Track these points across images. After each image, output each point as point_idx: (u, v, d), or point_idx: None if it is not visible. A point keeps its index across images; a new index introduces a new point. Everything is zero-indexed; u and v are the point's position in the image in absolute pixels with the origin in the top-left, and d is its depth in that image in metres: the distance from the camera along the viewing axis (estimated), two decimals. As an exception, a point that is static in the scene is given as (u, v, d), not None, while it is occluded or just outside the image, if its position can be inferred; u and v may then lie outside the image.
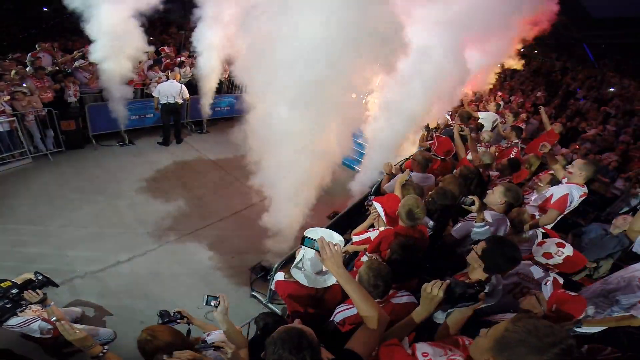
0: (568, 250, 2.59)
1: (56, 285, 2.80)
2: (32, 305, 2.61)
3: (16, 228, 4.69)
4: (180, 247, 4.94)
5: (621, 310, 2.30)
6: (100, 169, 6.43)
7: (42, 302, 2.54)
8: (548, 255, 2.58)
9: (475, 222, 2.84)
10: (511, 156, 5.14)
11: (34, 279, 2.60)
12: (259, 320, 2.13)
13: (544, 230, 3.63)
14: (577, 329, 2.37)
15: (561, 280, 2.63)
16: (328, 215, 6.26)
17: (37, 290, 2.51)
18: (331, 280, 1.98)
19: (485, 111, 7.16)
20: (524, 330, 1.10)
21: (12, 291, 2.46)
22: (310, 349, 1.27)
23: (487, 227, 2.84)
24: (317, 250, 1.57)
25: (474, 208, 2.78)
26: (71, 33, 10.50)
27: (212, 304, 1.90)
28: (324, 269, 1.96)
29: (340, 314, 1.95)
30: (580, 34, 14.66)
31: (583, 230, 4.12)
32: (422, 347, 1.39)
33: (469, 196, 2.81)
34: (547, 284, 2.21)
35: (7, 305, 2.45)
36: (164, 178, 6.52)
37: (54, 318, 1.91)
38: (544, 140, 5.70)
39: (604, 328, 2.32)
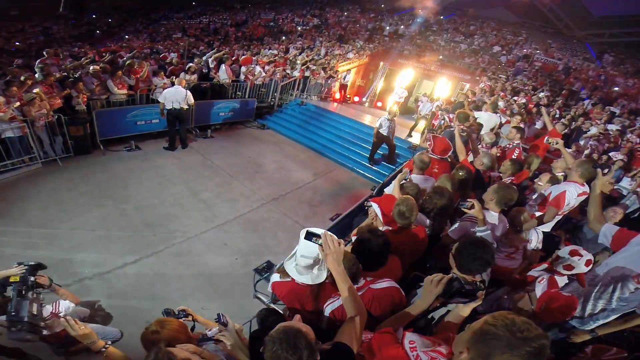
0: (586, 255, 2.58)
1: (44, 267, 2.82)
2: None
3: (27, 231, 4.82)
4: (186, 249, 5.03)
5: (622, 305, 2.30)
6: (108, 173, 6.57)
7: (50, 285, 2.63)
8: (569, 267, 2.59)
9: (478, 227, 2.86)
10: (513, 157, 5.16)
11: (30, 264, 2.63)
12: (259, 315, 2.19)
13: (544, 230, 3.66)
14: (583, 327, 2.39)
15: (562, 283, 2.64)
16: (331, 217, 6.32)
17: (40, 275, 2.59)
18: (322, 277, 2.03)
19: (484, 111, 7.16)
20: (501, 324, 1.09)
21: (31, 279, 2.49)
22: (308, 348, 1.29)
23: (489, 231, 2.87)
24: (320, 245, 1.62)
25: (473, 211, 2.82)
26: (76, 39, 10.75)
27: (222, 322, 2.00)
28: (318, 264, 1.99)
29: (329, 306, 2.01)
30: (582, 33, 14.63)
31: (576, 225, 4.14)
32: (411, 336, 1.44)
33: (468, 199, 2.84)
34: (542, 282, 2.24)
35: (34, 296, 2.46)
36: (169, 182, 6.64)
37: (62, 313, 1.96)
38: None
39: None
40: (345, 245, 2.70)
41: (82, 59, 8.11)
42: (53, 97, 6.43)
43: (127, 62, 8.02)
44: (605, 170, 2.59)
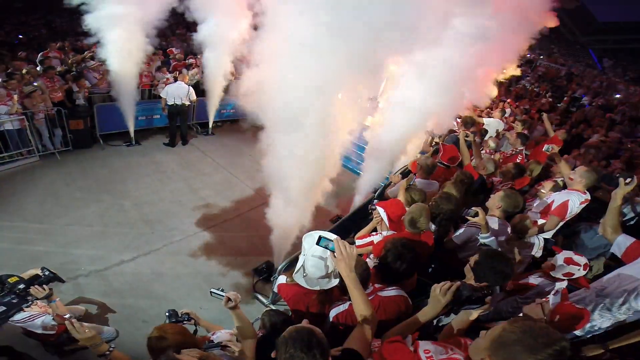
0: (581, 260, 2.63)
1: (62, 281, 2.83)
2: (37, 301, 2.65)
3: (22, 225, 4.77)
4: (184, 248, 4.98)
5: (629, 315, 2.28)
6: (107, 168, 6.51)
7: (48, 297, 2.58)
8: (569, 274, 2.62)
9: (481, 233, 2.89)
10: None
11: (41, 274, 2.62)
12: (264, 317, 2.17)
13: (545, 237, 3.64)
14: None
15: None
16: (331, 219, 6.28)
17: (44, 286, 2.55)
18: (333, 283, 2.01)
19: (490, 117, 7.16)
20: (520, 330, 1.13)
21: (19, 286, 2.49)
22: (320, 347, 1.30)
23: (493, 237, 2.88)
24: (332, 251, 1.61)
25: (478, 219, 2.82)
26: (80, 34, 10.66)
27: (219, 294, 1.96)
28: (329, 270, 1.98)
29: (333, 310, 2.00)
30: (586, 39, 14.64)
31: (574, 231, 4.13)
32: (424, 345, 1.43)
33: (473, 207, 2.84)
34: (556, 294, 2.22)
35: (14, 301, 2.47)
36: (169, 179, 6.59)
37: (67, 315, 1.94)
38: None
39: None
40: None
41: (85, 52, 8.03)
42: (54, 90, 6.37)
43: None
44: (628, 180, 2.56)
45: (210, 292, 2.02)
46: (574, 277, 2.63)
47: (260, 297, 4.36)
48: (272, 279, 4.43)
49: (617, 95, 12.81)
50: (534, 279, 2.78)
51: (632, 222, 6.40)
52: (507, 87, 12.14)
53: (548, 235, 3.78)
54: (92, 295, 3.98)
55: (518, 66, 8.70)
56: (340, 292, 2.14)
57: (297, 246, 4.46)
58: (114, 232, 4.98)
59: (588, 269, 2.65)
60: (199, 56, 9.56)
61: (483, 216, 2.79)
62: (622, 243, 2.40)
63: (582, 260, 2.64)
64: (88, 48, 8.29)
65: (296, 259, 2.24)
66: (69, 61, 7.50)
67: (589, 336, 2.41)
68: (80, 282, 4.12)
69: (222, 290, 1.98)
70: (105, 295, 4.00)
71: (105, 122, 7.24)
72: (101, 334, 3.22)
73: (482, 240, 2.86)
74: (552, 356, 1.07)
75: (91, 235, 4.84)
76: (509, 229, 3.06)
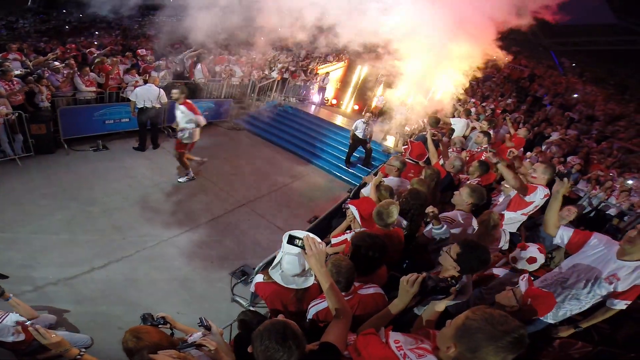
0: (540, 258, 2.79)
1: (6, 277, 2.72)
2: None
3: (-18, 235, 4.50)
4: (158, 253, 4.86)
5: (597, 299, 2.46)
6: (73, 174, 6.23)
7: (1, 295, 2.51)
8: (532, 260, 2.78)
9: (433, 225, 3.05)
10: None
11: None
12: (240, 317, 2.18)
13: (511, 231, 3.86)
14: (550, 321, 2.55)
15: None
16: (309, 219, 6.34)
17: None
18: (309, 282, 2.06)
19: (457, 117, 7.46)
20: (482, 318, 1.19)
21: None
22: (295, 338, 1.34)
23: (445, 227, 3.04)
24: (302, 248, 1.66)
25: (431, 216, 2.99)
26: (42, 34, 10.15)
27: (204, 325, 1.98)
28: (305, 267, 2.03)
29: (313, 308, 2.04)
30: (547, 41, 15.51)
31: (534, 223, 4.39)
32: (394, 336, 1.50)
33: (427, 208, 3.00)
34: (524, 280, 2.38)
35: None
36: (139, 184, 6.40)
37: (29, 322, 1.88)
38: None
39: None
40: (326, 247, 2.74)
41: (49, 54, 7.67)
42: (14, 93, 6.06)
43: (97, 59, 7.69)
44: (565, 180, 2.78)
45: (198, 324, 2.02)
46: (534, 263, 2.81)
47: (239, 300, 4.34)
48: (249, 281, 4.43)
49: (575, 95, 13.63)
50: (496, 270, 2.96)
51: (591, 215, 6.90)
52: (472, 88, 12.62)
53: (513, 228, 4.01)
54: (62, 303, 3.80)
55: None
56: (320, 290, 2.19)
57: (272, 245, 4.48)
58: (82, 240, 4.78)
59: (544, 257, 2.86)
60: (170, 58, 9.38)
61: (436, 213, 2.96)
62: (564, 235, 2.58)
63: (542, 258, 2.81)
64: (51, 50, 7.94)
65: (272, 260, 2.28)
66: (30, 63, 7.13)
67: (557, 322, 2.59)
68: (49, 290, 3.93)
69: (206, 321, 1.98)
70: (76, 303, 3.84)
71: (70, 126, 6.92)
72: (74, 342, 3.12)
73: (434, 232, 3.01)
74: (511, 343, 1.13)
75: (58, 244, 4.63)
76: (473, 221, 3.22)
